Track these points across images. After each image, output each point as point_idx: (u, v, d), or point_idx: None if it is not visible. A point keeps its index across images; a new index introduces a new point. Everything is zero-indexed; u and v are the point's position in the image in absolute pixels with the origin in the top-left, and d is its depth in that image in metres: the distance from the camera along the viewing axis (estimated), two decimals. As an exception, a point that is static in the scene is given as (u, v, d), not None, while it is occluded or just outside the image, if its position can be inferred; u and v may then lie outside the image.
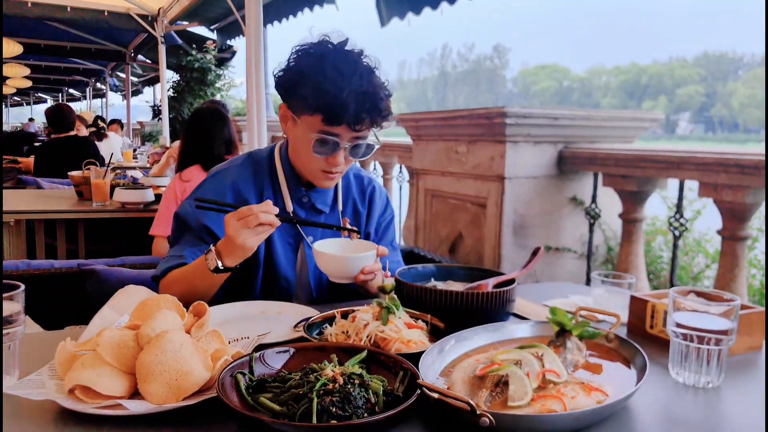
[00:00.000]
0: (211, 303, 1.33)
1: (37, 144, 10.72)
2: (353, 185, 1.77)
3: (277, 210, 1.35)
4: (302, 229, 1.64)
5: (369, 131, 1.51)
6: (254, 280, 1.64)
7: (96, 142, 6.16)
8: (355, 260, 1.43)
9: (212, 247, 1.38)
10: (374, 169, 6.09)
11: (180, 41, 10.16)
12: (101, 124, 9.44)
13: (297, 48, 1.51)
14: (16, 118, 36.01)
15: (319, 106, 1.43)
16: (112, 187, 3.55)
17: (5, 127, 22.41)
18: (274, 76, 1.53)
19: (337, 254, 1.47)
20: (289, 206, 1.63)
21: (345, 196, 1.74)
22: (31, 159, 6.64)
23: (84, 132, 7.01)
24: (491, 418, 0.81)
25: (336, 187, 1.71)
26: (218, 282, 1.45)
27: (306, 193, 1.64)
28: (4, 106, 29.88)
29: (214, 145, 3.09)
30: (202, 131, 3.10)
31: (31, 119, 21.69)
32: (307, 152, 1.49)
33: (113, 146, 7.51)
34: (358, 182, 1.78)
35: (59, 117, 5.25)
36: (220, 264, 1.36)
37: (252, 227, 1.31)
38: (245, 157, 1.69)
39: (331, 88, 1.40)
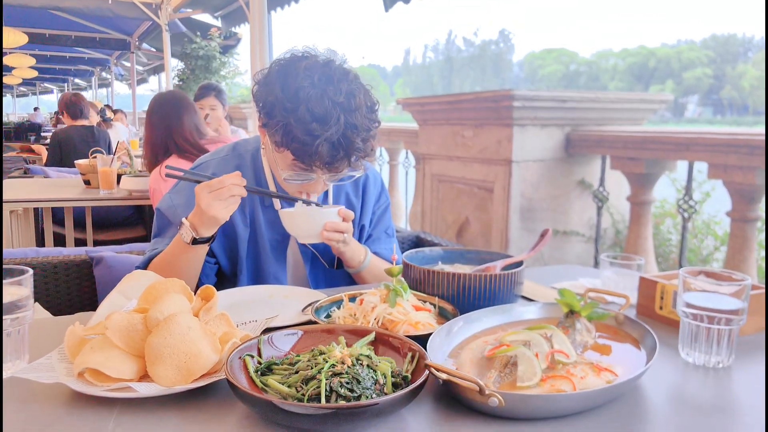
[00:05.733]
0: None
1: (44, 134, 10.74)
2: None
3: (245, 182, 1.36)
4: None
5: (348, 166, 1.43)
6: (240, 277, 1.61)
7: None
8: (316, 214, 1.44)
9: (184, 221, 1.39)
10: (380, 155, 6.08)
11: (184, 29, 10.12)
12: (108, 113, 9.46)
13: (276, 63, 1.39)
14: (22, 108, 36.15)
15: (288, 146, 1.35)
16: (119, 176, 3.56)
17: (12, 117, 22.48)
18: (253, 83, 1.45)
19: (298, 210, 1.49)
20: (277, 204, 1.57)
21: (337, 189, 1.66)
22: (40, 146, 6.65)
23: (96, 119, 7.03)
24: (500, 398, 0.81)
25: None
26: (198, 258, 1.45)
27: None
28: (10, 96, 30.00)
29: (186, 130, 2.90)
30: (170, 118, 2.90)
31: (36, 108, 21.72)
32: (281, 175, 1.45)
33: (119, 135, 7.53)
34: None
35: (77, 105, 5.24)
36: (194, 234, 1.38)
37: (224, 199, 1.33)
38: (230, 149, 1.64)
39: (300, 135, 1.31)
